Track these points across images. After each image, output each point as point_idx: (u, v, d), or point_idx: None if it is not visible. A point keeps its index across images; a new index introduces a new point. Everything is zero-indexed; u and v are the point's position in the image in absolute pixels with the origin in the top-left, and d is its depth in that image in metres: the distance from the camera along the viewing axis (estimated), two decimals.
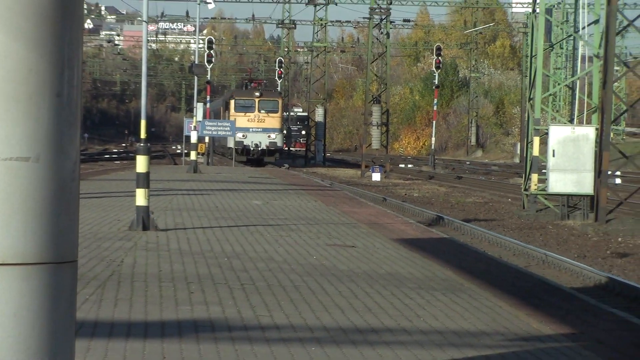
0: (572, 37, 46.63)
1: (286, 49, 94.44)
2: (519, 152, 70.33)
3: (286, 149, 72.87)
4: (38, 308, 5.18)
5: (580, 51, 43.84)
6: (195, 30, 77.06)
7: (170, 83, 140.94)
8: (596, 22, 37.78)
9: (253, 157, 66.46)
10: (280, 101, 71.13)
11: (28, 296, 5.21)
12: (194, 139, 54.29)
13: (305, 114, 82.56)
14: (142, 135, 23.50)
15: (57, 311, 5.30)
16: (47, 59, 5.25)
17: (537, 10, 38.59)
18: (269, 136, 67.15)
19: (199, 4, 61.46)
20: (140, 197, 21.14)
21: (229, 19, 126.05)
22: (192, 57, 77.39)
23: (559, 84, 52.94)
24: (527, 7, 77.91)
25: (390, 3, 68.14)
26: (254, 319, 11.27)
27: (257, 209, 29.35)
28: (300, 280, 14.71)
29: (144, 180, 21.29)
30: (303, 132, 79.46)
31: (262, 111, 67.98)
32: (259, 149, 66.28)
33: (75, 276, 5.60)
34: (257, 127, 66.97)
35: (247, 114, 67.74)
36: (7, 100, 5.15)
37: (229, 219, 25.06)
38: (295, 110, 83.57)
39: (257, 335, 10.14)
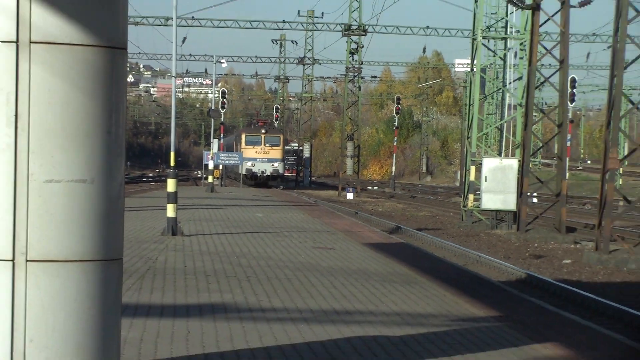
0: (501, 90, 47.12)
1: (281, 98, 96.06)
2: (459, 177, 70.49)
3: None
4: (93, 295, 5.23)
5: (507, 101, 44.34)
6: (212, 84, 77.21)
7: (192, 124, 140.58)
8: (519, 78, 38.82)
9: (260, 181, 66.12)
10: (281, 137, 70.53)
11: (85, 286, 5.30)
12: (210, 166, 55.24)
13: (297, 146, 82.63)
14: (172, 163, 24.07)
15: (107, 297, 5.33)
16: (100, 105, 5.23)
17: (474, 70, 39.56)
18: (272, 165, 66.57)
19: (215, 64, 62.86)
20: (170, 210, 21.39)
21: (237, 74, 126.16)
22: (210, 104, 77.12)
23: (490, 126, 53.81)
24: (466, 67, 78.03)
25: (361, 63, 68.09)
26: (257, 303, 11.35)
27: (259, 220, 29.55)
28: (292, 274, 14.79)
29: (173, 198, 21.58)
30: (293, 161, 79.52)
31: (267, 145, 66.83)
32: (265, 175, 65.84)
33: (121, 270, 5.63)
34: (263, 157, 65.95)
35: (255, 147, 66.49)
36: (69, 137, 5.16)
37: (238, 227, 25.33)
38: (292, 144, 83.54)
39: (259, 315, 10.24)
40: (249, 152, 64.89)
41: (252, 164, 65.30)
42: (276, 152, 67.17)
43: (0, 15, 4.91)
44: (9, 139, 4.92)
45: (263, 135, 67.29)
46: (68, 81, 4.99)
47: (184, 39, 41.32)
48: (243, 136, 68.87)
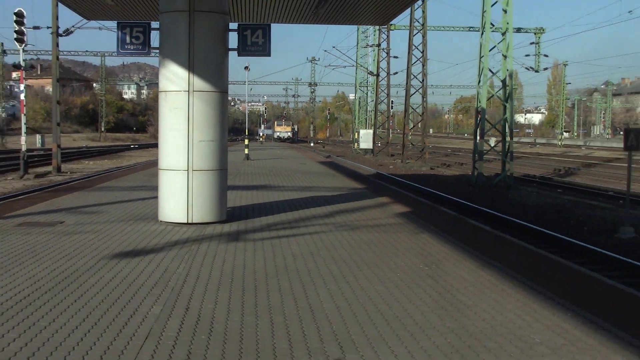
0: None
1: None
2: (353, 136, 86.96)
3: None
4: (217, 182, 11.97)
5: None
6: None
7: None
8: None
9: (283, 140, 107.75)
10: (292, 122, 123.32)
11: (214, 178, 12.18)
12: (261, 134, 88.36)
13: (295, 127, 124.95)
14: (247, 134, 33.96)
15: (222, 182, 12.29)
16: (219, 113, 11.97)
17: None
18: (287, 134, 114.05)
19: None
20: (246, 150, 37.13)
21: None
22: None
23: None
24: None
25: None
26: (277, 184, 21.27)
27: (279, 154, 45.68)
28: (290, 173, 26.65)
29: (247, 145, 37.55)
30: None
31: (285, 125, 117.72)
32: (284, 138, 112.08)
33: (226, 173, 12.49)
34: (284, 130, 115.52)
35: (280, 127, 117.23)
36: (208, 124, 11.92)
37: (271, 157, 40.84)
38: (294, 126, 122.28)
39: (278, 188, 17.94)
40: (278, 128, 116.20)
41: (279, 134, 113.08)
42: (289, 129, 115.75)
43: (182, 81, 11.70)
44: (185, 125, 11.78)
45: (284, 121, 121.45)
46: (207, 104, 11.83)
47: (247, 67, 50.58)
48: (275, 123, 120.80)
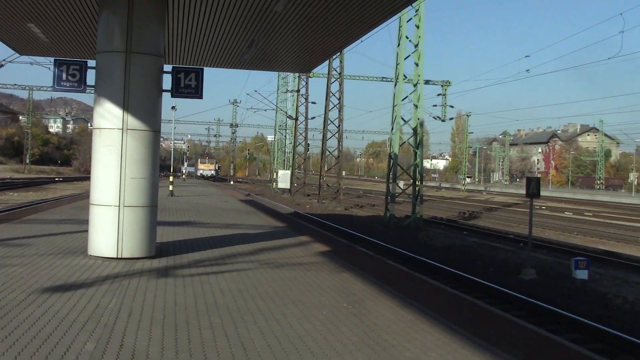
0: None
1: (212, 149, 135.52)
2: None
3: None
4: (146, 218, 11.68)
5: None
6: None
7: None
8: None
9: (205, 178, 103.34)
10: (215, 161, 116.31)
11: (144, 215, 11.85)
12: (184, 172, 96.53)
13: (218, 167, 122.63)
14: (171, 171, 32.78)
15: (152, 218, 11.90)
16: (151, 151, 11.75)
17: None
18: (211, 172, 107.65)
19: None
20: (170, 186, 36.41)
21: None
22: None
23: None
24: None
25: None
26: (201, 220, 19.09)
27: (202, 191, 43.80)
28: (213, 210, 25.42)
29: (171, 182, 37.04)
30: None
31: (208, 163, 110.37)
32: (207, 176, 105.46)
33: (156, 210, 12.25)
34: (207, 168, 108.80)
35: (203, 164, 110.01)
36: (140, 162, 11.65)
37: (196, 194, 39.96)
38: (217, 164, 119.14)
39: (202, 225, 16.26)
40: (202, 166, 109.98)
41: (202, 171, 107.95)
42: (212, 167, 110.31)
43: (116, 119, 11.46)
44: (118, 162, 11.51)
45: (207, 158, 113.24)
46: (140, 142, 11.61)
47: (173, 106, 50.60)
48: (199, 160, 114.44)
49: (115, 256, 11.42)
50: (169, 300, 8.36)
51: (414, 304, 8.98)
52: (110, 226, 11.43)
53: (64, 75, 12.19)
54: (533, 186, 16.42)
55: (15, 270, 9.89)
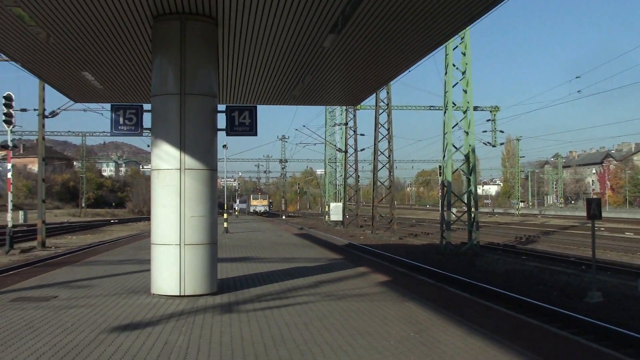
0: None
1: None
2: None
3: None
4: (208, 255, 11.68)
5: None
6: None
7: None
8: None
9: (259, 214, 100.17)
10: (268, 196, 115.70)
11: (205, 252, 11.78)
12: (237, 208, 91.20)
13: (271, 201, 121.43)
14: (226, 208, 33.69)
15: (212, 256, 11.95)
16: (209, 189, 11.82)
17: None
18: (264, 208, 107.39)
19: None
20: (225, 223, 37.37)
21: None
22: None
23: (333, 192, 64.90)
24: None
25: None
26: (259, 255, 19.46)
27: (255, 227, 44.75)
28: (269, 245, 25.43)
29: (226, 220, 38.86)
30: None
31: (261, 199, 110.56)
32: (260, 212, 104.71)
33: (216, 247, 12.28)
34: (260, 204, 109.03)
35: (256, 200, 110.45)
36: (199, 200, 11.72)
37: (250, 230, 40.67)
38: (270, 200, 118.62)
39: (260, 260, 16.33)
40: (254, 202, 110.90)
41: (255, 207, 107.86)
42: (266, 202, 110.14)
43: (173, 160, 11.61)
44: (177, 201, 11.62)
45: (260, 194, 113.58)
46: (197, 181, 11.71)
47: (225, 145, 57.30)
48: (251, 196, 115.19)
49: (178, 294, 11.51)
50: (235, 335, 8.36)
51: (481, 330, 8.80)
52: (172, 265, 11.53)
53: (121, 120, 12.44)
54: (594, 207, 16.04)
55: (83, 311, 10.05)
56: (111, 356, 7.22)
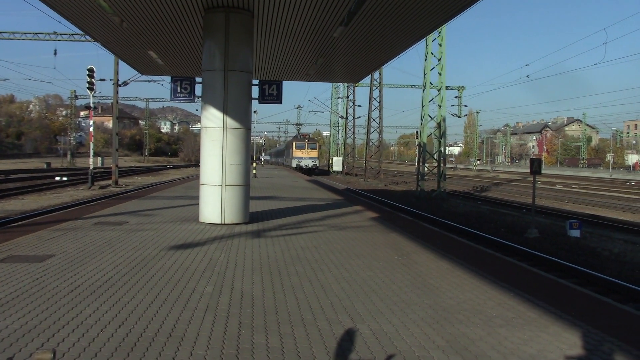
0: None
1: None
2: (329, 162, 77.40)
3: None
4: (243, 194, 11.75)
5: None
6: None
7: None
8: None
9: (304, 171, 56.95)
10: (318, 144, 60.87)
11: (241, 191, 11.89)
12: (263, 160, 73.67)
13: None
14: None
15: (246, 194, 11.89)
16: (245, 143, 11.73)
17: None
18: (312, 162, 58.04)
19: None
20: (254, 170, 36.39)
21: None
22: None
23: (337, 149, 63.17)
24: None
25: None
26: (280, 195, 18.47)
27: (275, 174, 42.66)
28: (289, 188, 24.28)
29: (255, 167, 35.81)
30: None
31: (309, 149, 58.67)
32: (307, 167, 57.51)
33: (249, 188, 12.24)
34: (306, 156, 58.16)
35: (301, 150, 58.52)
36: (237, 152, 11.64)
37: (276, 174, 38.50)
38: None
39: (281, 199, 16.77)
40: (297, 153, 58.68)
41: (300, 161, 58.19)
42: (314, 153, 58.92)
43: (218, 120, 11.50)
44: (220, 152, 11.57)
45: (306, 142, 59.43)
46: (236, 137, 11.63)
47: (255, 111, 47.85)
48: (294, 144, 59.94)
49: (219, 222, 11.53)
50: (263, 254, 8.38)
51: (449, 256, 8.79)
52: (216, 200, 11.53)
53: (178, 89, 12.30)
54: (536, 165, 15.88)
55: (148, 234, 10.08)
56: (170, 267, 7.25)
